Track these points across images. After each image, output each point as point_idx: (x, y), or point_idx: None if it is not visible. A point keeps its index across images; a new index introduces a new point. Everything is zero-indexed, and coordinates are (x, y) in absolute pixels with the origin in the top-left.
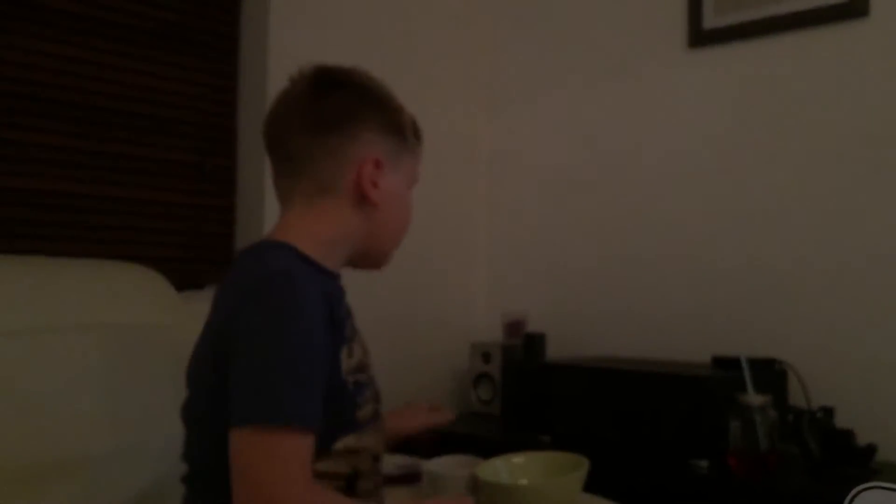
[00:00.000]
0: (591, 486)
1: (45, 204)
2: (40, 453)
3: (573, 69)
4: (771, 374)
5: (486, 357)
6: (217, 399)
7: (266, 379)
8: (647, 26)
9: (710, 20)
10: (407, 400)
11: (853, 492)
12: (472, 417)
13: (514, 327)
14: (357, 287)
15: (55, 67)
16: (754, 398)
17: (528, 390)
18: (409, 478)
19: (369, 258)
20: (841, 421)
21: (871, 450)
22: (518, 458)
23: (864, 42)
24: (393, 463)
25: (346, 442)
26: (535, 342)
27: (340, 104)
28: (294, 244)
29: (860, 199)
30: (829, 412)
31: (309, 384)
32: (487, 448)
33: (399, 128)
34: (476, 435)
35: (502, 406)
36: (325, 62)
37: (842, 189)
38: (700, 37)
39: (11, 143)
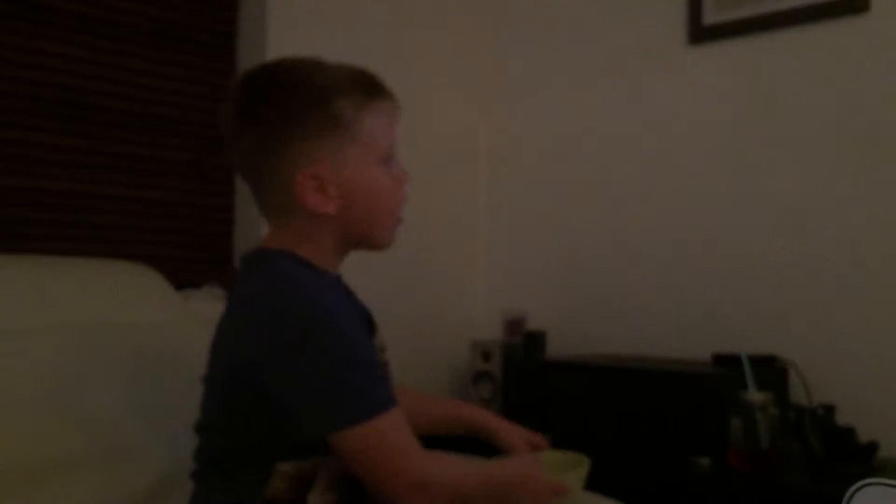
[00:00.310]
0: (592, 485)
1: (43, 203)
2: (40, 452)
3: (573, 66)
4: (772, 371)
5: (486, 355)
6: (232, 406)
7: (335, 384)
8: (647, 23)
9: (710, 16)
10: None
11: (852, 488)
12: None
13: (514, 325)
14: (357, 285)
15: (54, 67)
16: (755, 396)
17: (528, 388)
18: None
19: (366, 246)
20: (842, 418)
21: (872, 447)
22: None
23: (864, 38)
24: None
25: None
26: (535, 340)
27: (260, 129)
28: (292, 250)
29: (861, 196)
30: (830, 409)
31: (372, 368)
32: (488, 448)
33: (331, 118)
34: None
35: (503, 404)
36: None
37: (842, 185)
38: (700, 33)
39: (11, 143)
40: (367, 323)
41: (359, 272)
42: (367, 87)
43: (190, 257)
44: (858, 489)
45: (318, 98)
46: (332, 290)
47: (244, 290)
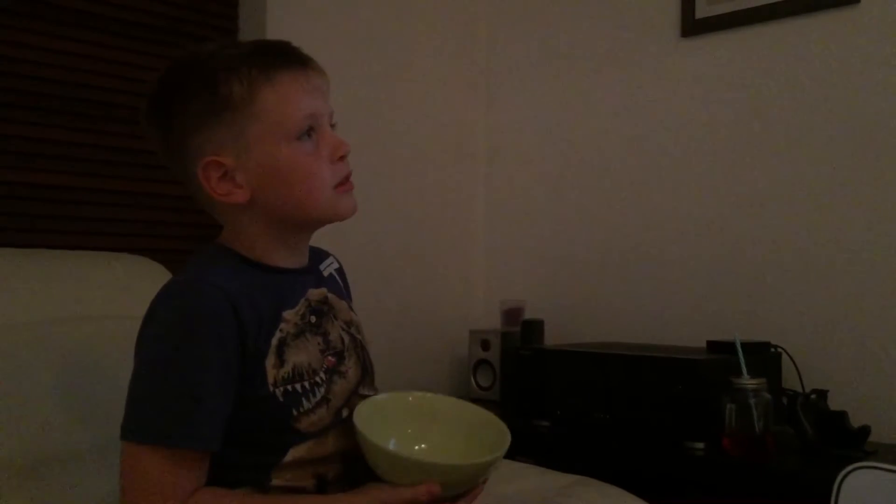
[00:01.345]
0: (589, 471)
1: (47, 198)
2: (47, 445)
3: (568, 58)
4: (765, 357)
5: (485, 344)
6: None
7: (136, 395)
8: (641, 16)
9: (703, 9)
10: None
11: (843, 472)
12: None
13: (512, 314)
14: (357, 277)
15: (55, 62)
16: (749, 381)
17: (526, 376)
18: None
19: (312, 224)
20: (834, 403)
21: (864, 431)
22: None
23: (855, 29)
24: None
25: (297, 453)
26: (533, 329)
27: (161, 127)
28: (228, 242)
29: (852, 186)
30: (822, 394)
31: (183, 403)
32: None
33: (221, 101)
34: None
35: (501, 392)
36: (323, 52)
37: (834, 175)
38: (693, 26)
39: (13, 138)
40: (261, 339)
41: (360, 265)
42: (266, 61)
43: (191, 250)
44: (849, 472)
45: (206, 82)
46: (214, 300)
47: None
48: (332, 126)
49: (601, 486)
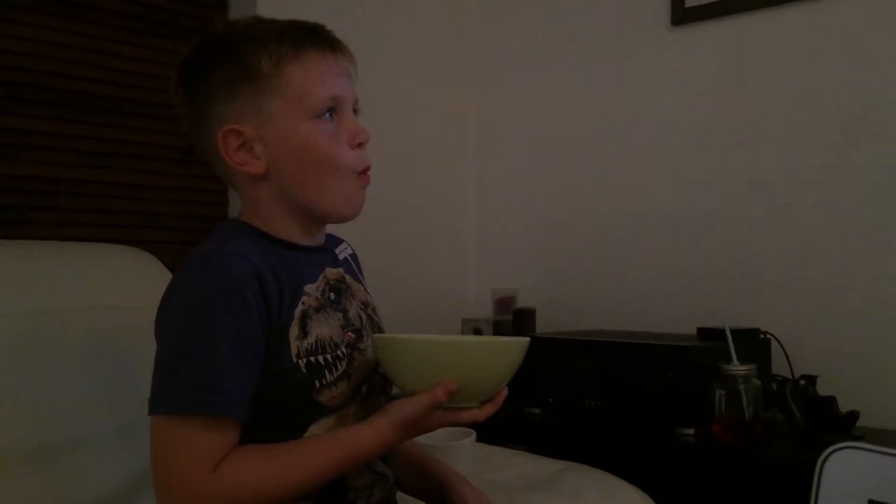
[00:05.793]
0: (580, 457)
1: (39, 189)
2: (39, 434)
3: (558, 47)
4: (755, 343)
5: (478, 332)
6: None
7: (163, 366)
8: (631, 5)
9: None
10: None
11: (825, 452)
12: None
13: (504, 303)
14: None
15: (46, 54)
16: (738, 367)
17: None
18: None
19: (320, 213)
20: (823, 389)
21: (853, 416)
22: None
23: (841, 17)
24: None
25: (316, 430)
26: (524, 317)
27: (188, 96)
28: (246, 218)
29: (841, 172)
30: (811, 380)
31: (213, 371)
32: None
33: (247, 72)
34: None
35: None
36: None
37: (824, 162)
38: (682, 15)
39: (4, 130)
40: (283, 309)
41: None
42: (297, 38)
43: (184, 241)
44: (831, 453)
45: (235, 53)
46: (236, 269)
47: None
48: (356, 111)
49: (592, 471)
